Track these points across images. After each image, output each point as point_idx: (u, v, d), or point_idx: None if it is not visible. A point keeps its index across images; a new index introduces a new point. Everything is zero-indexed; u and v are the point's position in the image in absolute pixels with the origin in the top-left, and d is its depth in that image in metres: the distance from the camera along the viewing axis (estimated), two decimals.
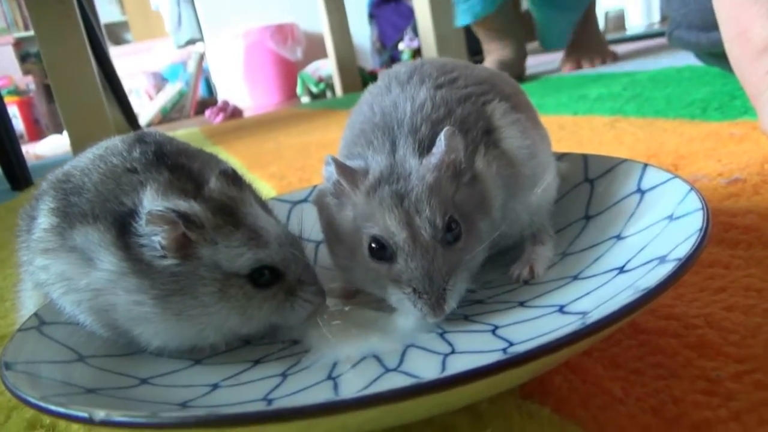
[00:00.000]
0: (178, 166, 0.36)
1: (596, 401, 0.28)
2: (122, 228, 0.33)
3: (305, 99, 3.00)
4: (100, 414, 0.21)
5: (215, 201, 0.34)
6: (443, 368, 0.29)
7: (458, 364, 0.29)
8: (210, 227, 0.33)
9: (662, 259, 0.27)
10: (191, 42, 3.74)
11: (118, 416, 0.21)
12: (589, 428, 0.26)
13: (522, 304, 0.34)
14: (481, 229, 0.35)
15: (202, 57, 3.59)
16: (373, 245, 0.34)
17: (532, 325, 0.31)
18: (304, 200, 0.54)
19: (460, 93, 0.38)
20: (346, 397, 0.19)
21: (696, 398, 0.27)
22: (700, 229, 0.27)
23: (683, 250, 0.26)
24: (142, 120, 3.04)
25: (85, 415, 0.21)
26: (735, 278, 0.36)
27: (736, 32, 0.63)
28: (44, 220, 0.35)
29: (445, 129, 0.34)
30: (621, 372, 0.29)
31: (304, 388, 0.30)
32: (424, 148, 0.35)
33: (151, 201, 0.34)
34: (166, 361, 0.34)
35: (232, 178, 0.36)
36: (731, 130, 0.69)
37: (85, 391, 0.29)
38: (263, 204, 0.39)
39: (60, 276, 0.34)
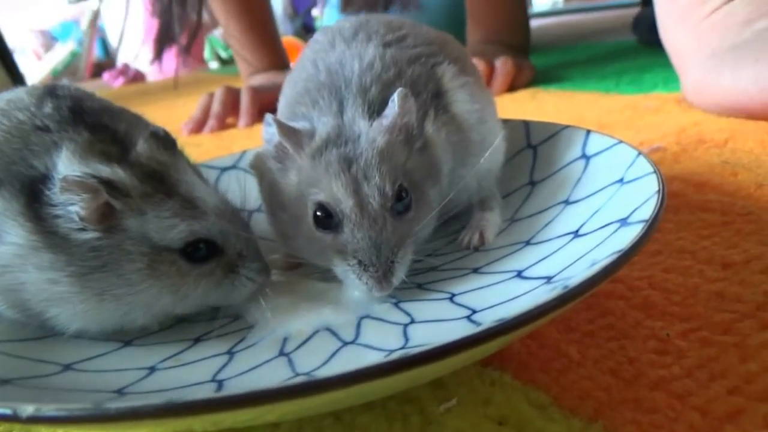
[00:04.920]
0: (99, 126, 0.32)
1: (555, 365, 0.28)
2: (32, 195, 0.29)
3: (214, 64, 2.85)
4: (28, 409, 0.18)
5: (144, 166, 0.31)
6: (406, 339, 0.27)
7: (422, 334, 0.28)
8: (137, 196, 0.29)
9: (624, 222, 0.27)
10: None
11: (51, 410, 0.18)
12: (551, 392, 0.26)
13: (476, 270, 0.33)
14: (431, 197, 0.34)
15: (96, 15, 3.30)
16: (319, 213, 0.31)
17: (492, 291, 0.30)
18: (233, 167, 0.50)
19: (409, 53, 0.36)
20: (328, 375, 0.17)
21: (650, 357, 0.27)
22: (658, 191, 0.27)
23: (646, 211, 0.26)
24: (30, 81, 2.76)
25: (8, 411, 0.18)
26: (668, 241, 0.37)
27: None
28: None
29: (398, 90, 0.32)
30: (575, 335, 0.30)
31: (256, 366, 0.27)
32: (374, 110, 0.33)
33: (68, 165, 0.29)
34: (89, 344, 0.31)
35: (164, 141, 0.32)
36: (646, 103, 0.73)
37: None
38: (198, 172, 0.35)
39: None
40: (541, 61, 1.18)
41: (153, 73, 2.72)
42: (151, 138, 0.32)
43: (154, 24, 1.09)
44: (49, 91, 0.33)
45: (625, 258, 0.22)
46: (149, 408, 0.17)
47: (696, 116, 0.62)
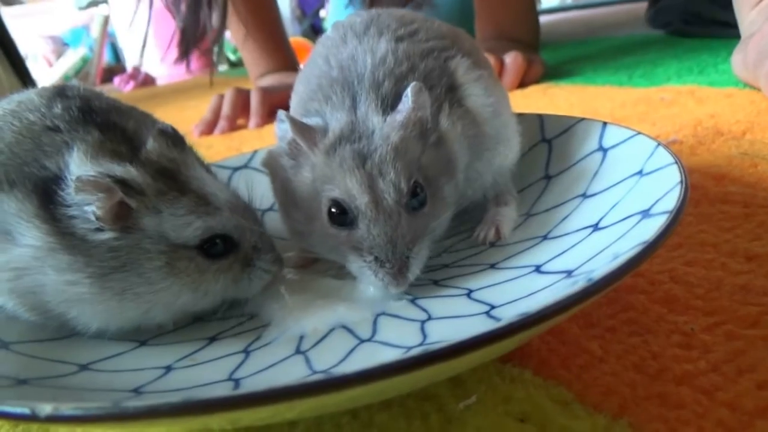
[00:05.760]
0: (109, 125, 0.32)
1: (577, 361, 0.27)
2: (45, 196, 0.29)
3: (223, 67, 2.86)
4: (46, 408, 0.17)
5: (155, 164, 0.31)
6: (424, 336, 0.27)
7: (440, 331, 0.27)
8: (152, 194, 0.29)
9: (646, 214, 0.27)
10: (94, 3, 3.45)
11: (69, 410, 0.17)
12: (574, 388, 0.26)
13: (493, 266, 0.33)
14: (447, 193, 0.33)
15: (106, 20, 3.32)
16: (333, 210, 0.31)
17: (511, 287, 0.30)
18: (245, 166, 0.50)
19: (422, 47, 0.36)
20: (349, 372, 0.17)
21: (674, 352, 0.27)
22: (681, 182, 0.26)
23: (669, 202, 0.25)
24: None
25: (26, 410, 0.18)
26: (689, 234, 0.36)
27: None
28: None
29: (412, 84, 0.31)
30: (596, 330, 0.29)
31: (273, 364, 0.27)
32: (387, 105, 0.33)
33: (79, 165, 0.29)
34: (106, 344, 0.30)
35: (173, 138, 0.32)
36: (660, 95, 0.72)
37: (15, 382, 0.25)
38: (207, 168, 0.35)
39: None
40: (551, 56, 1.17)
41: (163, 77, 2.74)
42: (160, 135, 0.32)
43: (165, 27, 1.09)
44: (59, 92, 0.33)
45: (650, 249, 0.22)
46: (168, 406, 0.16)
47: (712, 108, 0.61)
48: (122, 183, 0.28)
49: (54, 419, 0.18)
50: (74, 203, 0.28)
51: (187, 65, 1.08)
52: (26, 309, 0.30)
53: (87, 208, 0.28)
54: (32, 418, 0.18)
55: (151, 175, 0.30)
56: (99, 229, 0.28)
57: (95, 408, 0.17)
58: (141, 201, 0.29)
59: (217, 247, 0.31)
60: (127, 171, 0.29)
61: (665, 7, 1.16)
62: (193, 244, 0.30)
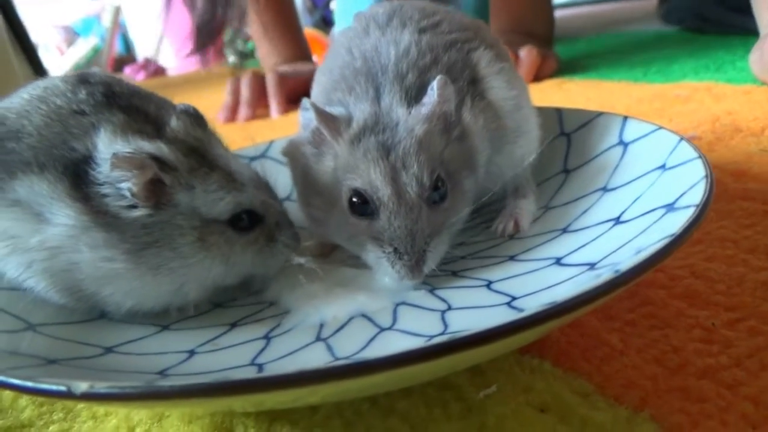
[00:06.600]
0: (132, 108, 0.32)
1: (597, 353, 0.27)
2: (76, 177, 0.29)
3: (233, 58, 2.86)
4: (82, 386, 0.18)
5: (182, 142, 0.31)
6: (445, 325, 0.27)
7: (461, 320, 0.27)
8: (184, 170, 0.30)
9: (670, 207, 0.26)
10: None
11: (104, 388, 0.18)
12: (594, 380, 0.26)
13: (512, 258, 0.33)
14: (467, 187, 0.33)
15: (118, 10, 3.33)
16: (354, 199, 0.31)
17: (531, 279, 0.30)
18: (263, 155, 0.51)
19: (445, 39, 0.36)
20: (378, 357, 0.17)
21: (696, 346, 0.27)
22: (706, 176, 0.26)
23: (695, 196, 0.25)
24: None
25: (63, 388, 0.18)
26: (709, 230, 0.36)
27: None
28: None
29: (438, 78, 0.31)
30: (616, 324, 0.29)
31: (294, 350, 0.27)
32: (411, 97, 0.33)
33: (108, 144, 0.30)
34: (129, 328, 0.31)
35: (195, 117, 0.33)
36: (676, 92, 0.71)
37: (46, 362, 0.25)
38: (226, 148, 0.36)
39: (2, 234, 0.30)
40: (565, 51, 1.16)
41: (174, 68, 2.74)
42: (183, 115, 0.32)
43: (173, 18, 1.09)
44: (82, 78, 0.34)
45: (678, 242, 0.22)
46: (202, 386, 0.17)
47: (729, 105, 0.61)
48: (156, 159, 0.29)
49: (89, 397, 0.18)
50: (106, 181, 0.29)
51: (202, 59, 1.08)
52: (58, 290, 0.30)
53: (122, 185, 0.29)
54: (68, 395, 0.18)
55: (182, 152, 0.30)
56: (132, 206, 0.29)
57: (130, 387, 0.18)
58: (174, 177, 0.30)
59: (243, 222, 0.32)
60: (159, 148, 0.30)
61: (677, 5, 1.15)
62: (223, 218, 0.31)
